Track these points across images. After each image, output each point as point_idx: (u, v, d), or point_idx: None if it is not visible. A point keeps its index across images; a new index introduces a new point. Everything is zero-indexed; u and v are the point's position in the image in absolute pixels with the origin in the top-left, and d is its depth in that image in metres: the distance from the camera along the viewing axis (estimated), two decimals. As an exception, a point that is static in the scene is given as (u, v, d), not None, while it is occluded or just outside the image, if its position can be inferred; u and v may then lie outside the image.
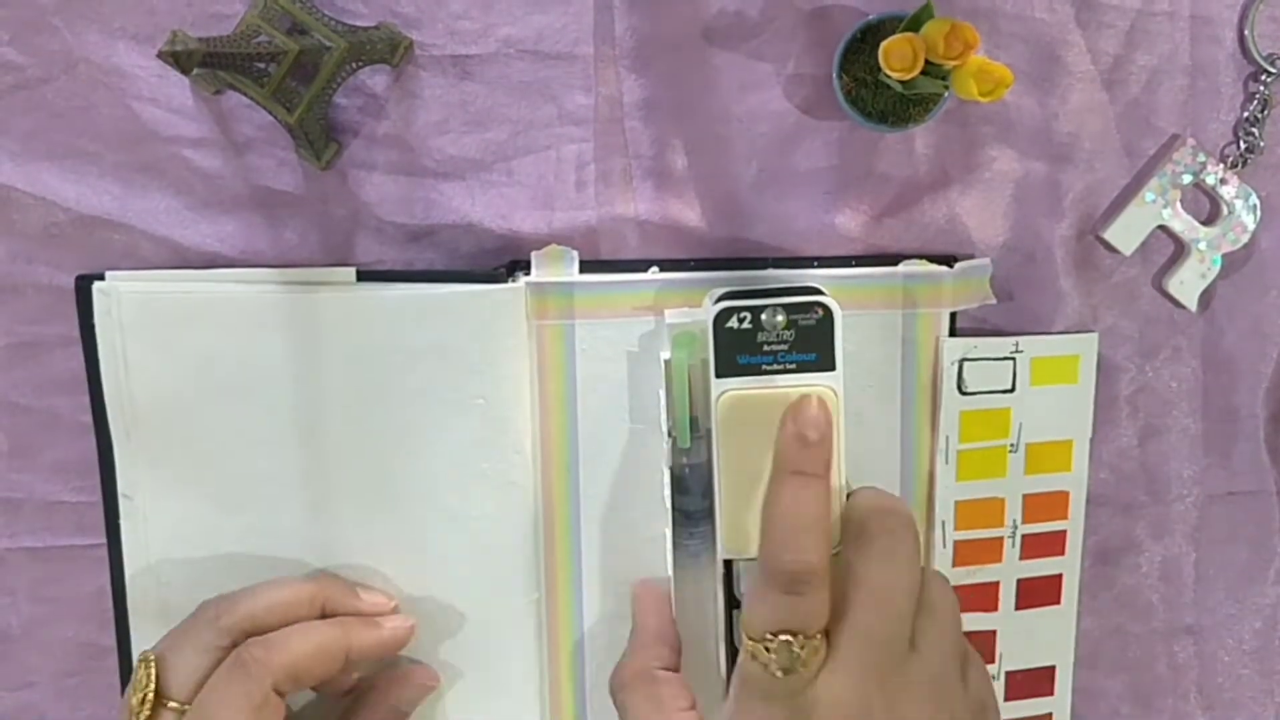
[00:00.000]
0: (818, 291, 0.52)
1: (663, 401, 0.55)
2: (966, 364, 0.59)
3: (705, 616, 0.55)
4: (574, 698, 0.60)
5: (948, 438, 0.59)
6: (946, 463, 0.59)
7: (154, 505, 0.57)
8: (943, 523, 0.60)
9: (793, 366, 0.51)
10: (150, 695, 0.49)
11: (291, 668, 0.50)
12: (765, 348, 0.51)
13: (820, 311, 0.51)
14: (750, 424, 0.50)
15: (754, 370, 0.51)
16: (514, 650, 0.59)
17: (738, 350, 0.51)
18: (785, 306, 0.51)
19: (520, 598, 0.58)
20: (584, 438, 0.58)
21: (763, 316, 0.51)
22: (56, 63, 0.55)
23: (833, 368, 0.51)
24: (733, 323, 0.51)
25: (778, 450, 0.49)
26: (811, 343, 0.51)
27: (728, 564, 0.54)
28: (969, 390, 0.59)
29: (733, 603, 0.54)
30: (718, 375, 0.51)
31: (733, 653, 0.54)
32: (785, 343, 0.51)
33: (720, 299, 0.52)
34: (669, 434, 0.54)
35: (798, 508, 0.47)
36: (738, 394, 0.51)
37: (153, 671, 0.50)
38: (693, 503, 0.55)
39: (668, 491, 0.55)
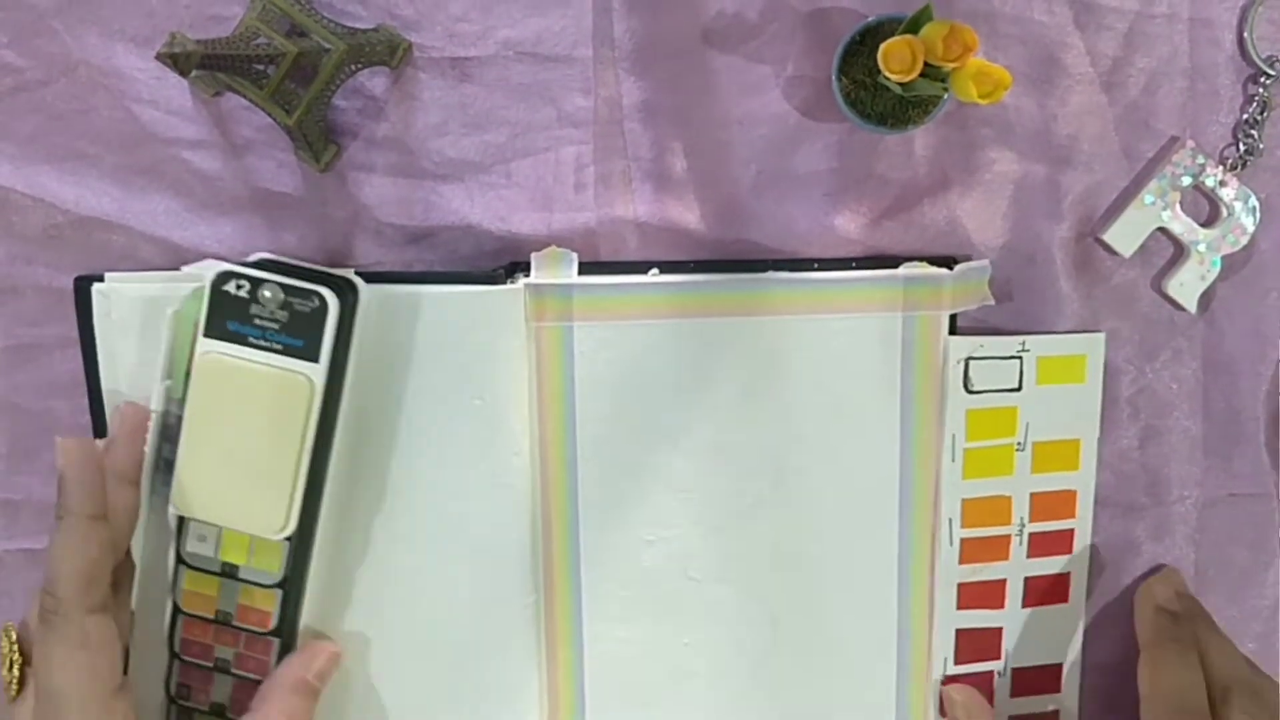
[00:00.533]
0: (335, 281, 0.52)
1: (163, 346, 0.54)
2: (973, 362, 0.59)
3: (166, 569, 0.56)
4: (573, 700, 0.60)
5: (954, 435, 0.59)
6: (953, 460, 0.59)
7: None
8: (949, 520, 0.60)
9: (279, 348, 0.51)
10: (15, 660, 0.50)
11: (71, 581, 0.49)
12: (257, 321, 0.51)
13: (317, 300, 0.51)
14: (223, 390, 0.52)
15: (242, 340, 0.52)
16: (512, 652, 0.58)
17: (231, 316, 0.51)
18: (283, 286, 0.51)
19: (518, 600, 0.58)
20: (582, 440, 0.57)
21: (260, 290, 0.51)
22: (56, 65, 0.55)
23: (316, 359, 0.51)
24: (230, 287, 0.51)
25: None
26: (302, 329, 0.51)
27: (181, 520, 0.54)
28: (975, 389, 0.59)
29: (180, 560, 0.55)
30: (205, 334, 0.52)
31: (175, 610, 0.55)
32: (277, 322, 0.51)
33: (244, 264, 0.52)
34: (164, 378, 0.54)
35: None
36: (218, 358, 0.52)
37: (13, 637, 0.50)
38: (174, 453, 0.54)
39: (152, 436, 0.54)
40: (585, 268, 0.57)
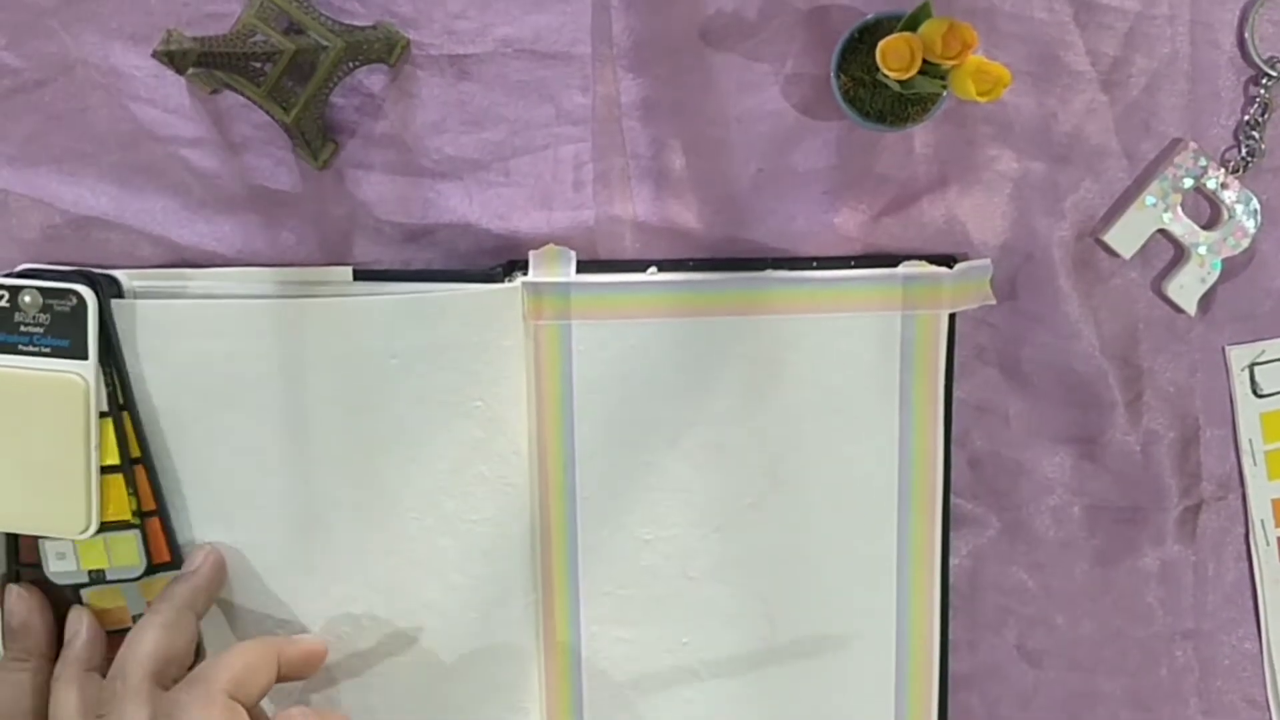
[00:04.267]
0: (93, 278, 0.54)
1: None
2: (1258, 368, 0.60)
3: None
4: (571, 700, 0.60)
5: (1251, 440, 0.61)
6: (1255, 464, 0.61)
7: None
8: (1261, 521, 0.61)
9: (47, 350, 0.53)
10: None
11: (237, 678, 0.51)
12: (22, 328, 0.53)
13: (74, 299, 0.52)
14: (6, 402, 0.53)
15: (11, 349, 0.53)
16: (511, 652, 0.58)
17: None
18: (40, 290, 0.53)
19: (517, 599, 0.58)
20: (580, 439, 0.57)
21: (20, 298, 0.53)
22: (53, 65, 0.55)
23: (85, 356, 0.53)
24: None
25: None
26: (65, 329, 0.53)
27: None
28: (1264, 392, 0.60)
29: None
30: None
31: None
32: (41, 326, 0.53)
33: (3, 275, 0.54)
34: None
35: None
36: None
37: None
38: None
39: None
40: (583, 266, 0.57)
